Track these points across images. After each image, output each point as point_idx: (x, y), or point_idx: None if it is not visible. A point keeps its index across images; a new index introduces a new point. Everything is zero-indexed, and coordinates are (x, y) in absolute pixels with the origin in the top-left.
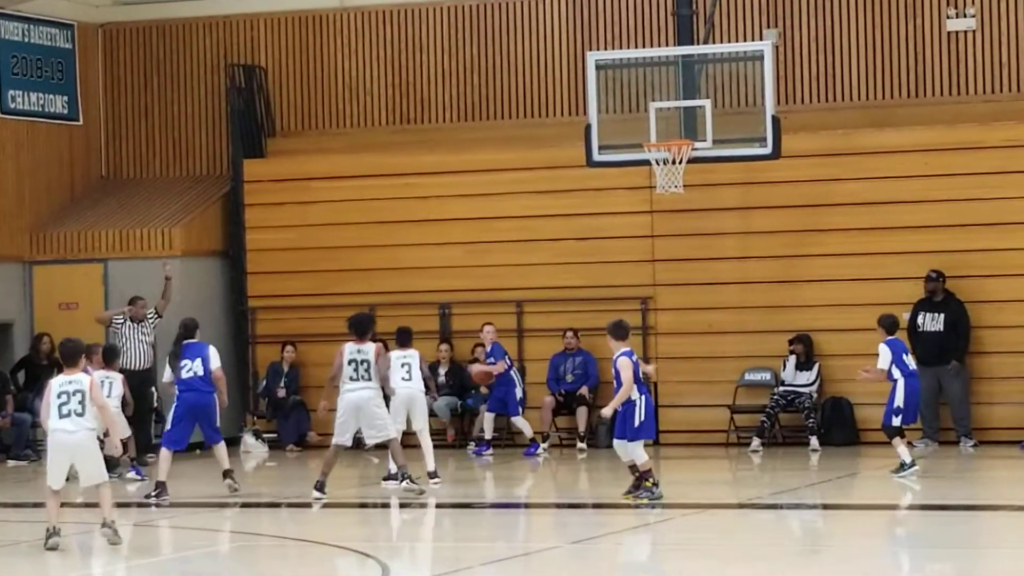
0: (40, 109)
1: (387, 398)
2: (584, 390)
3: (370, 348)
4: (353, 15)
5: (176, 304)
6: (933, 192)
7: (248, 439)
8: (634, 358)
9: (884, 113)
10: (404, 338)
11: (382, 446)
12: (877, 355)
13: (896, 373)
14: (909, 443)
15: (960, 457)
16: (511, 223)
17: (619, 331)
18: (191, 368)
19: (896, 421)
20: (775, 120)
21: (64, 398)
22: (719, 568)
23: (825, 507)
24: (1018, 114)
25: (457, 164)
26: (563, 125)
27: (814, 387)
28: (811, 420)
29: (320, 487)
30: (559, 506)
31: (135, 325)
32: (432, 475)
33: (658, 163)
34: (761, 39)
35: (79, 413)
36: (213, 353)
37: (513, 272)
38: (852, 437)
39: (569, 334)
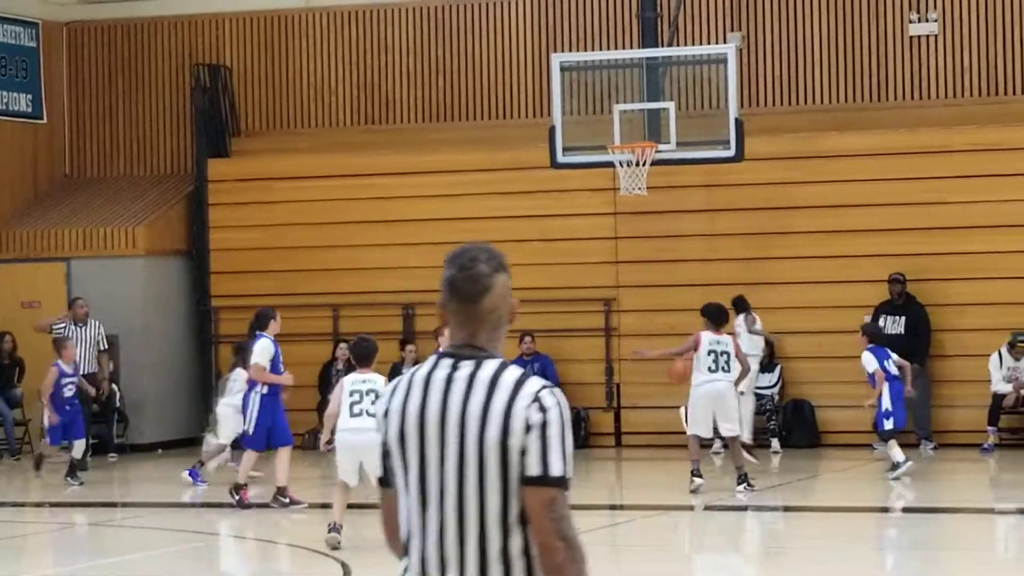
0: (4, 107)
1: None
2: None
3: (729, 340)
4: (318, 15)
5: (140, 303)
6: (895, 195)
7: (210, 439)
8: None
9: (847, 116)
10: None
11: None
12: (835, 358)
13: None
14: (873, 446)
15: (920, 460)
16: (475, 224)
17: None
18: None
19: (888, 425)
20: (738, 123)
21: (356, 396)
22: (680, 570)
23: (786, 509)
24: (980, 118)
25: (422, 165)
26: (527, 126)
27: (776, 389)
28: (772, 422)
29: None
30: None
31: (77, 328)
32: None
33: (622, 165)
34: (725, 42)
35: (371, 413)
36: (256, 348)
37: None
38: (813, 439)
39: (527, 339)
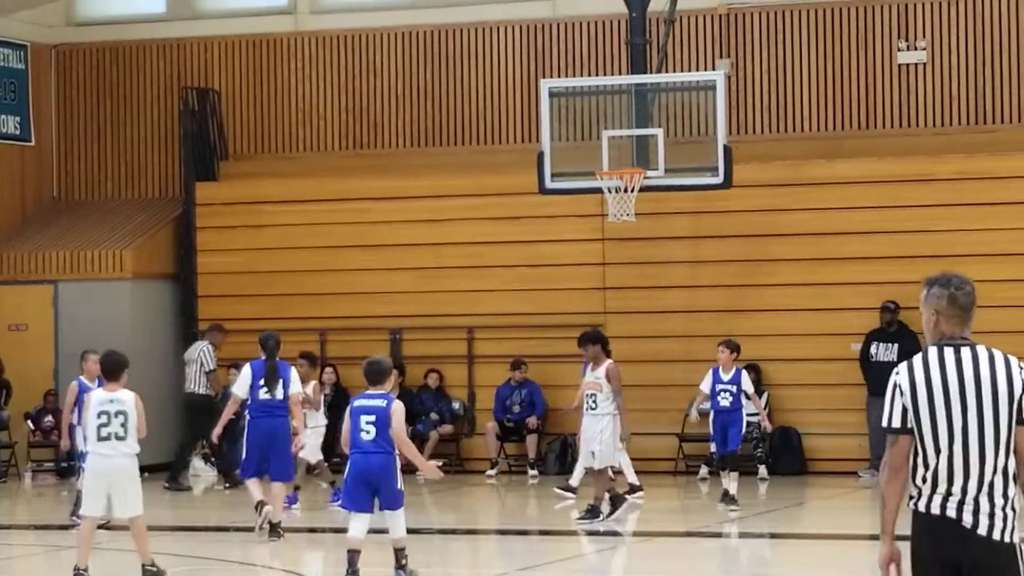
0: None
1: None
2: (532, 419)
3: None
4: (307, 39)
5: (127, 326)
6: (882, 224)
7: (197, 463)
8: (356, 404)
9: (835, 144)
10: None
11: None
12: (822, 385)
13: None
14: (859, 473)
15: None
16: (463, 249)
17: (370, 374)
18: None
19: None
20: (727, 150)
21: (104, 419)
22: None
23: (772, 536)
24: (967, 147)
25: (410, 189)
26: (516, 152)
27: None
28: (759, 449)
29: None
30: (507, 532)
31: (212, 352)
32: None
33: (610, 191)
34: (714, 69)
35: (119, 436)
36: (295, 375)
37: (464, 298)
38: (800, 467)
39: (516, 368)
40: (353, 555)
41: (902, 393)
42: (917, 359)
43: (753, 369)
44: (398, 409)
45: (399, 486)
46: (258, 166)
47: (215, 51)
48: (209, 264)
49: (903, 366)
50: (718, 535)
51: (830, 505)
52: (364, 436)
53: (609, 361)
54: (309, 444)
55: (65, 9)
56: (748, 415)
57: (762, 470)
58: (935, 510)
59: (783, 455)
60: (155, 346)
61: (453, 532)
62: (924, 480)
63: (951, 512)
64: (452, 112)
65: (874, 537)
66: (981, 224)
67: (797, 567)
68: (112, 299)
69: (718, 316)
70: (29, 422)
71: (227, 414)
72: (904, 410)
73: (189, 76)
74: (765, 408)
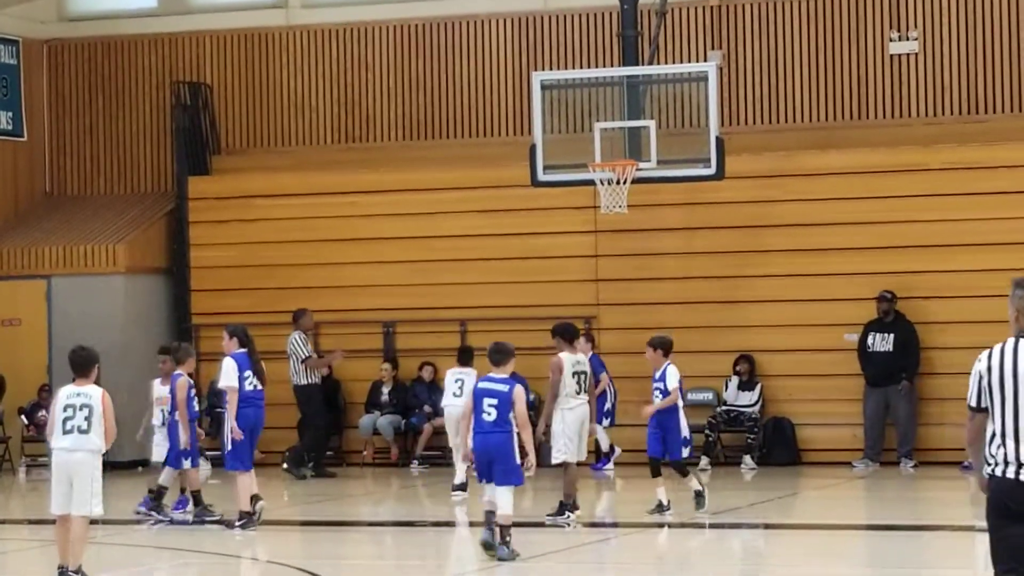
0: None
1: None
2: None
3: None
4: (299, 33)
5: (121, 321)
6: (875, 214)
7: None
8: (480, 387)
9: (827, 135)
10: (464, 357)
11: None
12: (815, 376)
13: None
14: (852, 463)
15: (900, 477)
16: (455, 242)
17: (493, 355)
18: (252, 381)
19: (686, 452)
20: (719, 141)
21: (70, 412)
22: None
23: (767, 527)
24: (959, 137)
25: (402, 183)
26: (508, 144)
27: (756, 407)
28: (749, 439)
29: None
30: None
31: (303, 340)
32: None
33: (602, 183)
34: (705, 60)
35: (83, 430)
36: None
37: (457, 291)
38: (793, 457)
39: None
40: (490, 514)
41: (981, 377)
42: (996, 348)
43: (746, 360)
44: (520, 393)
45: (515, 463)
46: (250, 160)
47: (207, 46)
48: (202, 258)
49: (984, 354)
50: (713, 526)
51: (823, 495)
52: (486, 417)
53: (561, 354)
54: (160, 445)
55: (57, 4)
56: (743, 406)
57: (747, 459)
58: (1010, 475)
59: (776, 446)
60: (148, 340)
61: (448, 524)
62: (997, 449)
63: (1023, 477)
64: (444, 105)
65: (870, 527)
66: (973, 214)
67: (791, 557)
68: (105, 294)
69: (711, 307)
70: (23, 417)
71: (231, 408)
72: (980, 392)
73: (181, 71)
74: (758, 403)
